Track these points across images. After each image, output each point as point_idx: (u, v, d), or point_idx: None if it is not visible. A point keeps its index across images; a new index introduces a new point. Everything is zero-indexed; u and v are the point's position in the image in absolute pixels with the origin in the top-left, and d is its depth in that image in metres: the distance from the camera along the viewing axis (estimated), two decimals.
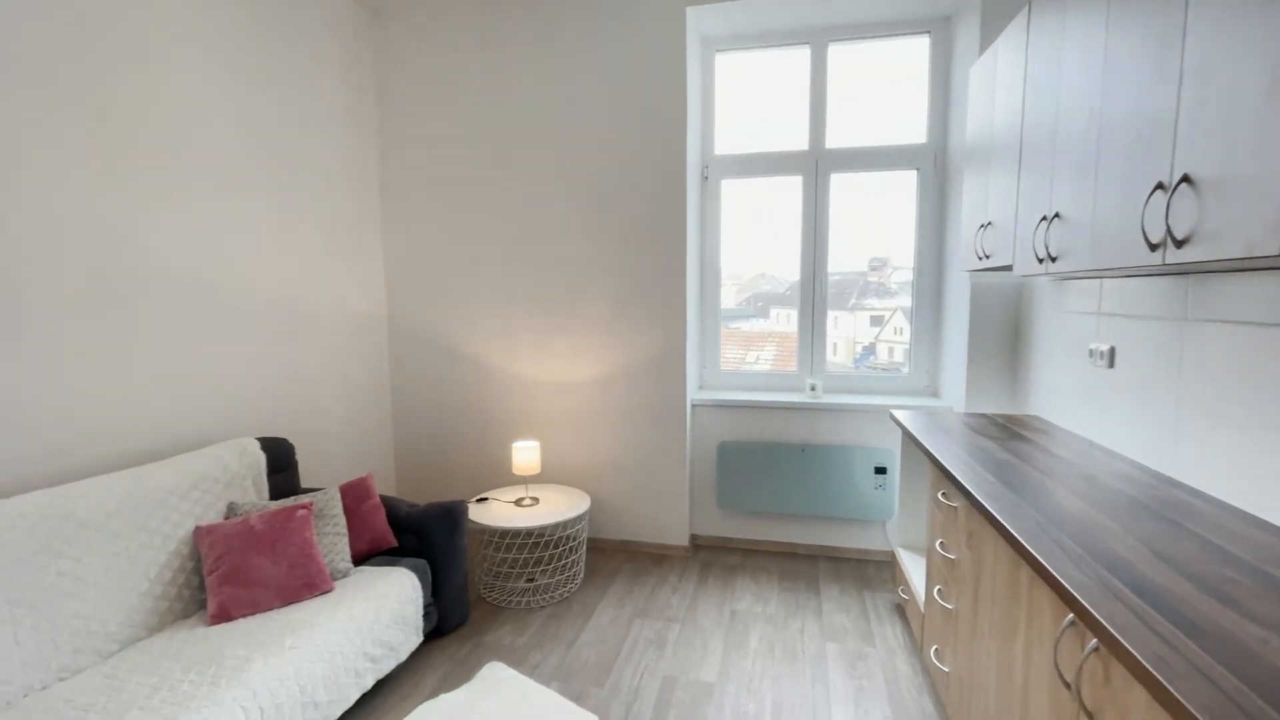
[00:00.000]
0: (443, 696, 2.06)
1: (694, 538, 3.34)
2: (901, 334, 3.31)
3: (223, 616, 1.93)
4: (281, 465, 2.47)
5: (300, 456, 2.87)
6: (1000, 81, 2.13)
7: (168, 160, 2.27)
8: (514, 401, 3.37)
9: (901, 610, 2.65)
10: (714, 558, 3.19)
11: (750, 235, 3.38)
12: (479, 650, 2.40)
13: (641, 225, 3.09)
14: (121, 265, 2.13)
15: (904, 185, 3.15)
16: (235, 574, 1.99)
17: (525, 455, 2.94)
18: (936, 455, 1.92)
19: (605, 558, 3.21)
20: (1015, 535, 1.29)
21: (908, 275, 3.23)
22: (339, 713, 1.86)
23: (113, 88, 2.09)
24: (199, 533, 2.04)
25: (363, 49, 3.26)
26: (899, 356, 3.32)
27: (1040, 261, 1.76)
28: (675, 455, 3.19)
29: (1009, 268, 2.06)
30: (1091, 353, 2.05)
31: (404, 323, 3.49)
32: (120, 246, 2.12)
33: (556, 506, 2.85)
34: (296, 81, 2.84)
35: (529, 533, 2.89)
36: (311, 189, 2.94)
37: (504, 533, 2.84)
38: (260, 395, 2.68)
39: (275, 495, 2.42)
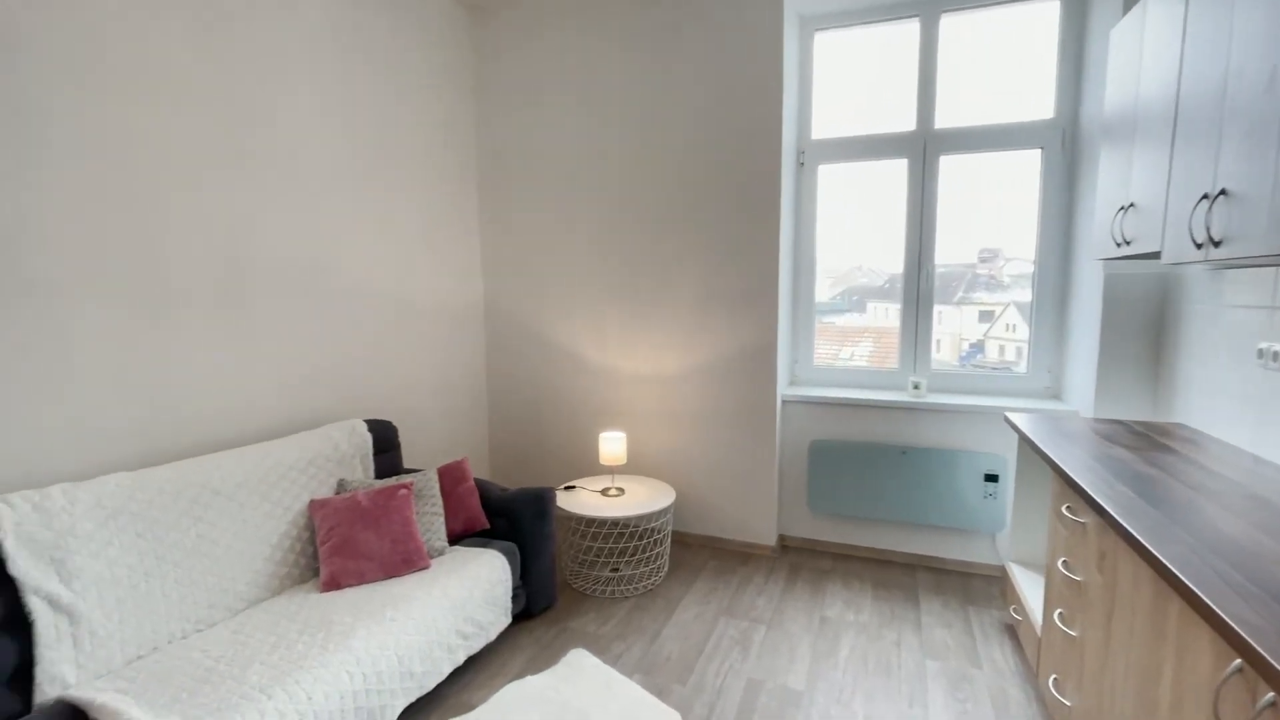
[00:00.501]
0: (529, 678, 2.11)
1: (782, 538, 3.23)
2: (1014, 330, 3.02)
3: (332, 585, 2.08)
4: (386, 446, 2.62)
5: (402, 438, 3.04)
6: (1149, 42, 1.87)
7: (286, 162, 2.46)
8: (602, 392, 3.40)
9: (1013, 631, 2.43)
10: (803, 560, 3.07)
11: (848, 224, 3.20)
12: (564, 636, 2.44)
13: (732, 215, 3.01)
14: (247, 259, 2.33)
15: (1024, 167, 2.86)
16: (344, 546, 2.13)
17: (612, 446, 2.96)
18: (1061, 464, 1.73)
19: (690, 553, 3.17)
20: (1163, 561, 1.12)
21: (1022, 267, 2.94)
22: (433, 684, 1.95)
23: (240, 97, 2.28)
24: (313, 505, 2.20)
25: (462, 47, 3.38)
26: (1011, 355, 3.04)
27: (1198, 246, 1.53)
28: (764, 452, 3.09)
29: (1155, 255, 1.81)
30: (1261, 353, 1.77)
31: (499, 313, 3.61)
32: (246, 242, 2.32)
33: (642, 498, 2.85)
34: (399, 82, 2.99)
35: (614, 522, 2.91)
36: (413, 184, 3.10)
37: (589, 521, 2.88)
38: (367, 379, 2.86)
39: (380, 474, 2.57)
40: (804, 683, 2.14)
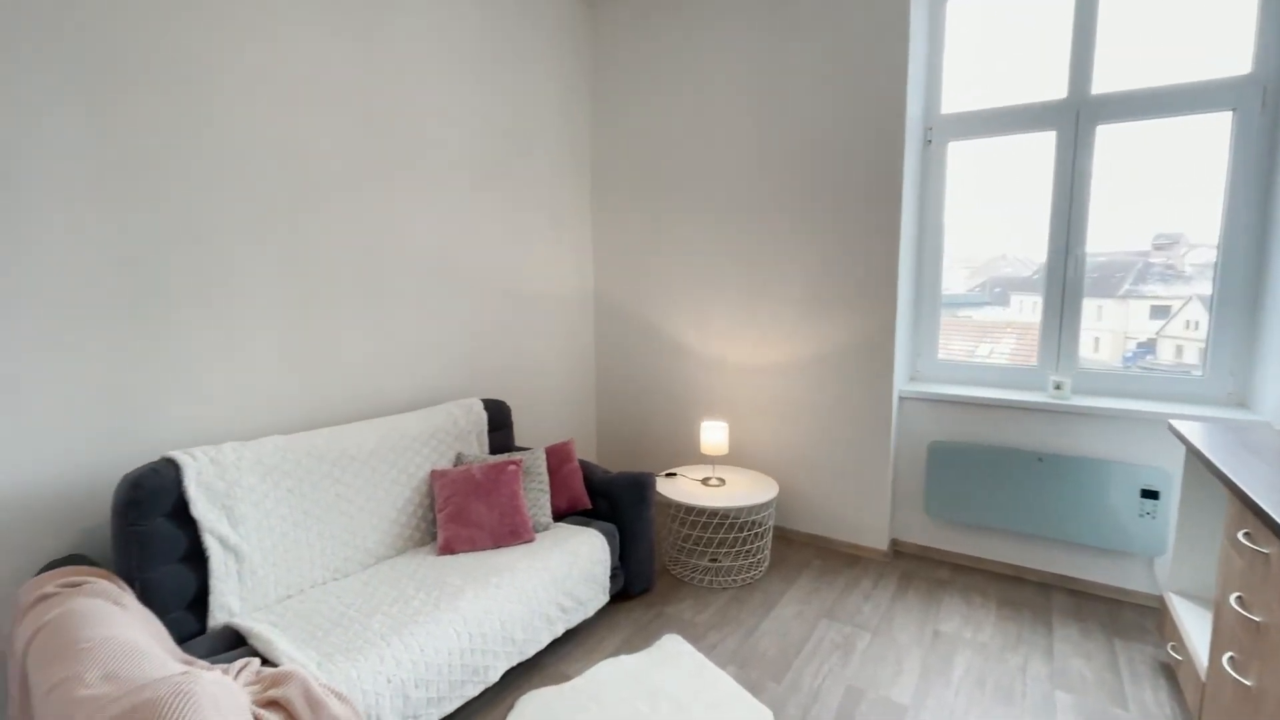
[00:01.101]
0: (623, 657, 2.16)
1: (895, 543, 3.04)
2: (1197, 328, 2.59)
3: (448, 549, 2.24)
4: (499, 424, 2.78)
5: (514, 418, 3.22)
6: None
7: (419, 163, 2.67)
8: (706, 381, 3.38)
9: (1170, 672, 2.11)
10: (917, 568, 2.87)
11: (985, 208, 2.91)
12: (660, 620, 2.46)
13: (847, 200, 2.85)
14: (384, 252, 2.56)
15: (1208, 135, 2.44)
16: (459, 514, 2.30)
17: (714, 435, 2.93)
18: (1240, 482, 1.46)
19: (794, 549, 3.07)
20: None
21: (1205, 255, 2.51)
22: (532, 652, 2.06)
23: (380, 103, 2.50)
24: (434, 475, 2.39)
25: (579, 41, 3.47)
26: (1191, 356, 2.61)
27: None
28: (877, 451, 2.92)
29: None
30: None
31: (608, 302, 3.69)
32: (384, 236, 2.55)
33: (742, 489, 2.80)
34: (521, 80, 3.13)
35: (713, 512, 2.88)
36: (534, 178, 3.24)
37: (689, 509, 2.88)
38: (484, 361, 3.05)
39: (493, 450, 2.73)
40: (910, 698, 2.00)
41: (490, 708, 1.95)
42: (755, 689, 2.04)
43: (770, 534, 2.87)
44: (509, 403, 3.16)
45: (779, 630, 2.38)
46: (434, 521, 2.38)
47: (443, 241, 2.80)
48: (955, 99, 2.86)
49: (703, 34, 3.15)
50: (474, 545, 2.27)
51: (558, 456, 2.69)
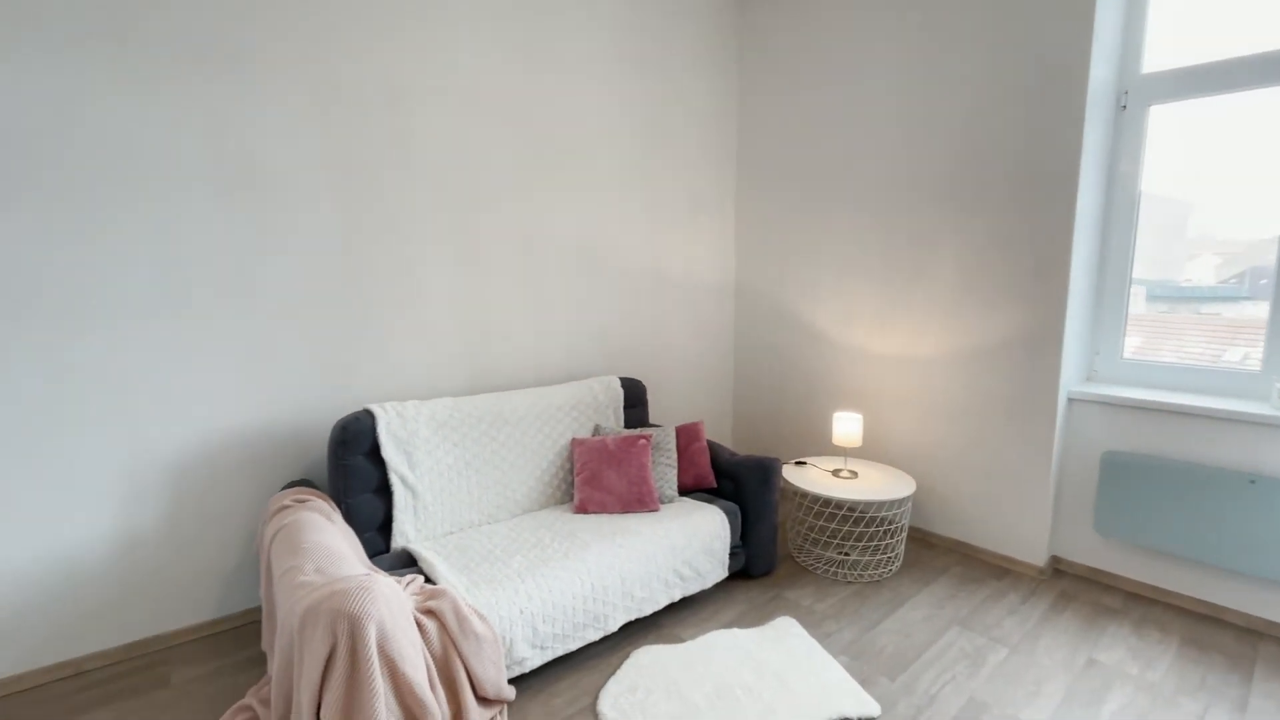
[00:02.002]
0: (735, 630, 2.25)
1: (1055, 560, 2.74)
2: None
3: (581, 509, 2.49)
4: (635, 401, 2.98)
5: (650, 397, 3.41)
6: None
7: (571, 159, 2.93)
8: (845, 372, 3.28)
9: None
10: (1080, 590, 2.56)
11: (1226, 177, 2.46)
12: (777, 602, 2.50)
13: (1010, 182, 2.59)
14: (540, 240, 2.87)
15: None
16: (593, 479, 2.53)
17: (847, 426, 2.86)
18: None
19: (933, 553, 2.90)
20: None
21: None
22: (649, 611, 2.22)
23: (539, 113, 2.79)
24: (574, 443, 2.65)
25: (725, 33, 3.52)
26: None
27: None
28: (1037, 456, 2.64)
29: None
30: None
31: (750, 290, 3.72)
32: (539, 229, 2.86)
33: (875, 484, 2.71)
34: (667, 75, 3.27)
35: (842, 504, 2.83)
36: (676, 170, 3.37)
37: (816, 499, 2.85)
38: (624, 342, 3.27)
39: (628, 424, 2.94)
40: None
41: (609, 654, 2.15)
42: (866, 682, 2.01)
43: (905, 533, 2.75)
44: (646, 382, 3.36)
45: (902, 630, 2.30)
46: (572, 483, 2.65)
47: (589, 233, 3.05)
48: (1159, 56, 2.45)
49: (852, 18, 3.03)
50: (604, 508, 2.49)
51: (687, 435, 2.82)
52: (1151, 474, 2.40)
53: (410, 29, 2.40)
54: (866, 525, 2.80)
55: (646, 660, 2.07)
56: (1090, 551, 2.65)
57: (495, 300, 2.76)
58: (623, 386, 2.94)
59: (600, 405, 2.84)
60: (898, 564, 2.77)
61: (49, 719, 1.83)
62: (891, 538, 2.73)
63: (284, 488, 2.20)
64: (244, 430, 2.22)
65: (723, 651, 2.12)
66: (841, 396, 3.31)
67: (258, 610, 2.33)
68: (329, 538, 1.82)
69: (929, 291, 2.91)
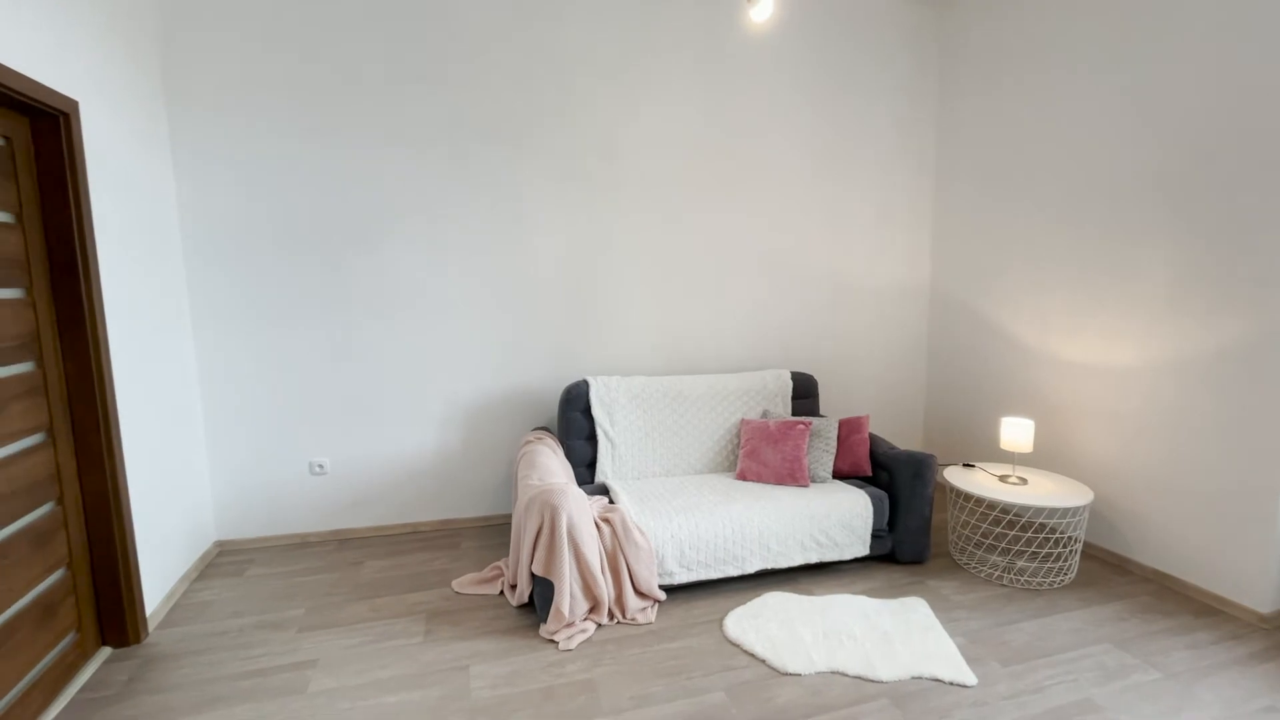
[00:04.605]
0: (862, 597, 2.54)
1: None
2: None
3: (741, 476, 2.99)
4: (805, 393, 3.36)
5: (827, 392, 3.71)
6: None
7: (755, 179, 3.43)
8: (1032, 378, 3.16)
9: None
10: None
11: None
12: (916, 587, 2.67)
13: (1238, 180, 2.32)
14: (727, 252, 3.43)
15: None
16: (753, 454, 3.02)
17: (1015, 432, 2.83)
18: None
19: (1124, 579, 2.70)
20: None
21: None
22: (784, 564, 2.64)
23: (724, 141, 3.34)
24: (743, 423, 3.16)
25: (925, 45, 3.61)
26: None
27: None
28: (1266, 487, 2.33)
29: None
30: None
31: (944, 295, 3.74)
32: (726, 238, 3.42)
33: (1042, 491, 2.66)
34: (858, 93, 3.53)
35: (1003, 507, 2.82)
36: (863, 178, 3.61)
37: (978, 501, 2.88)
38: (800, 340, 3.64)
39: (795, 413, 3.33)
40: None
41: (746, 591, 2.63)
42: (974, 661, 2.14)
43: (1078, 545, 2.64)
44: (820, 377, 3.68)
45: (1039, 632, 2.32)
46: (737, 455, 3.16)
47: (773, 241, 3.51)
48: None
49: (1061, 24, 2.93)
50: (760, 478, 2.95)
51: (849, 427, 3.11)
52: None
53: (622, 99, 3.17)
54: (1032, 532, 2.75)
55: (774, 601, 2.51)
56: None
57: (685, 301, 3.41)
58: (793, 379, 3.34)
59: (770, 393, 3.29)
60: (1068, 577, 2.67)
61: (399, 552, 3.01)
62: (1063, 547, 2.66)
63: (531, 430, 3.16)
64: (509, 389, 3.24)
65: (842, 608, 2.44)
66: (1030, 402, 3.20)
67: (509, 516, 3.35)
68: (551, 462, 2.67)
69: (1136, 298, 2.71)
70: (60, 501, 2.02)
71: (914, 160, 3.71)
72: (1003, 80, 3.27)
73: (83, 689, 2.00)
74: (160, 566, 2.46)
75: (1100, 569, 2.80)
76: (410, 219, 3.01)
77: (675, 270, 3.38)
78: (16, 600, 1.81)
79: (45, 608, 1.92)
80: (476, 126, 3.02)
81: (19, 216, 1.89)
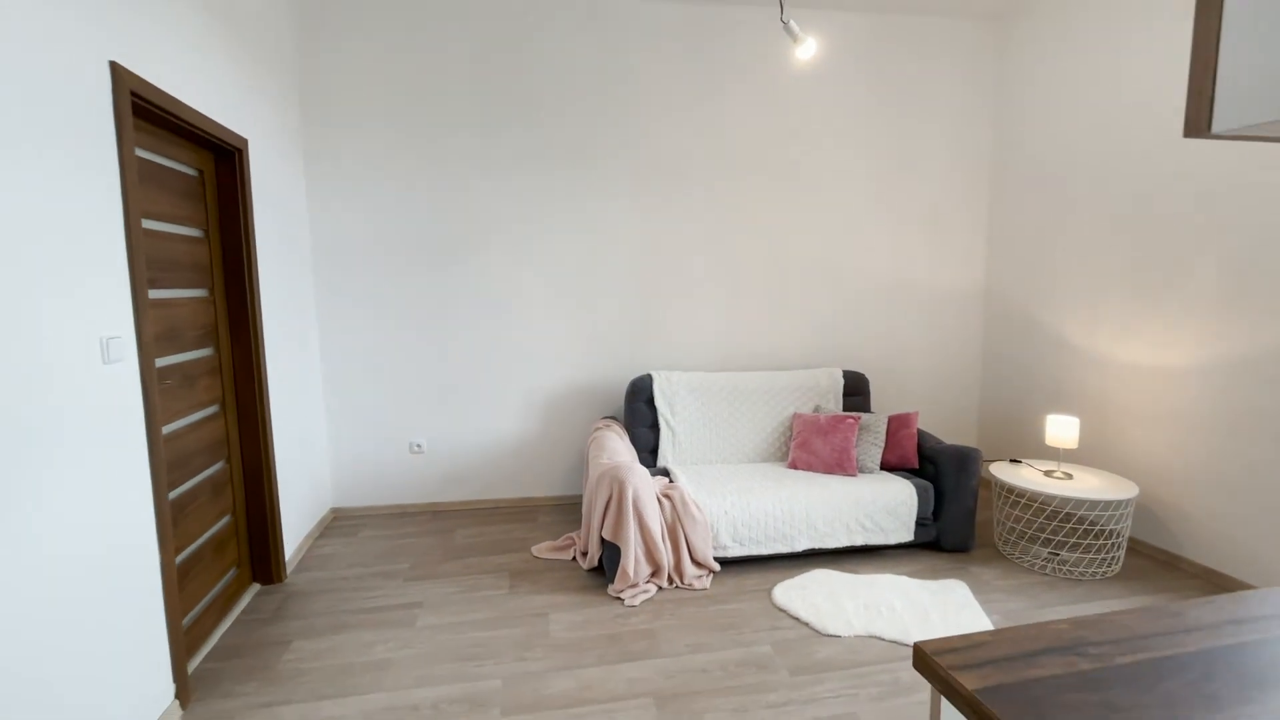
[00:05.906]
0: (904, 577, 2.73)
1: None
2: None
3: (792, 465, 3.23)
4: (855, 391, 3.55)
5: (881, 390, 3.88)
6: None
7: (813, 191, 3.65)
8: (1085, 377, 3.24)
9: None
10: None
11: None
12: (958, 573, 2.83)
13: None
14: (785, 258, 3.67)
15: None
16: (804, 445, 3.25)
17: (1060, 429, 2.94)
18: None
19: (1173, 575, 2.76)
20: None
21: None
22: (830, 545, 2.86)
23: (783, 153, 3.59)
24: (795, 416, 3.39)
25: (983, 52, 3.73)
26: None
27: None
28: None
29: None
30: None
31: (999, 297, 3.84)
32: (784, 243, 3.66)
33: (1085, 486, 2.77)
34: (916, 104, 3.69)
35: (1044, 500, 2.92)
36: (917, 183, 3.77)
37: (1014, 490, 2.99)
38: (854, 340, 3.83)
39: (847, 409, 3.53)
40: None
41: (795, 568, 2.86)
42: None
43: (1124, 539, 2.73)
44: (871, 375, 3.85)
45: (1076, 616, 2.43)
46: (789, 446, 3.39)
47: (830, 248, 3.72)
48: None
49: (1122, 27, 3.02)
50: (810, 468, 3.18)
51: (898, 422, 3.29)
52: None
53: (690, 124, 3.48)
54: (1076, 523, 2.85)
55: (820, 576, 2.74)
56: None
57: (745, 302, 3.67)
58: (844, 377, 3.54)
59: (822, 390, 3.50)
60: (1113, 569, 2.76)
61: (485, 523, 3.41)
62: (1108, 539, 2.75)
63: (600, 418, 3.51)
64: (582, 381, 3.60)
65: (884, 585, 2.64)
66: (1080, 401, 3.27)
67: (579, 497, 3.71)
68: (618, 445, 3.00)
69: (1190, 295, 2.78)
70: (229, 460, 2.51)
71: (970, 171, 3.83)
72: (1061, 92, 3.37)
73: (242, 612, 2.48)
74: (293, 524, 2.94)
75: (1148, 564, 2.86)
76: (500, 234, 3.43)
77: (736, 275, 3.66)
78: (203, 533, 2.29)
79: (218, 544, 2.41)
80: (559, 154, 3.41)
81: (207, 232, 2.39)
